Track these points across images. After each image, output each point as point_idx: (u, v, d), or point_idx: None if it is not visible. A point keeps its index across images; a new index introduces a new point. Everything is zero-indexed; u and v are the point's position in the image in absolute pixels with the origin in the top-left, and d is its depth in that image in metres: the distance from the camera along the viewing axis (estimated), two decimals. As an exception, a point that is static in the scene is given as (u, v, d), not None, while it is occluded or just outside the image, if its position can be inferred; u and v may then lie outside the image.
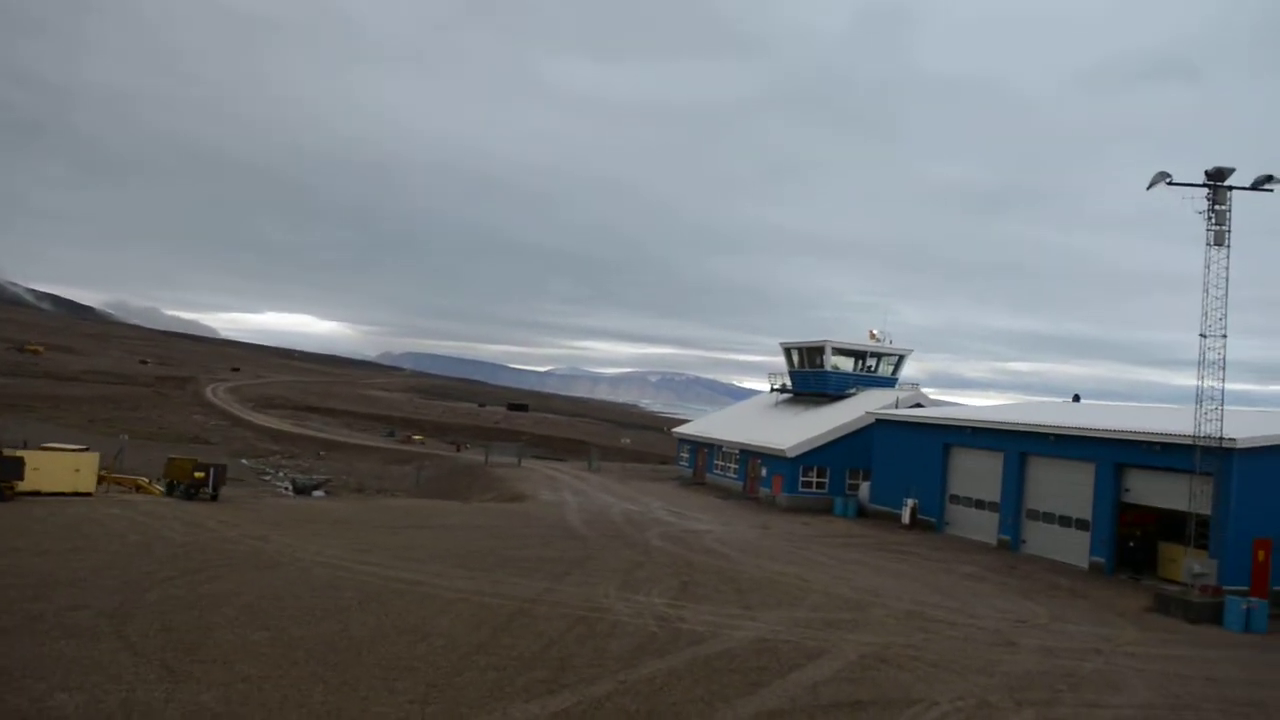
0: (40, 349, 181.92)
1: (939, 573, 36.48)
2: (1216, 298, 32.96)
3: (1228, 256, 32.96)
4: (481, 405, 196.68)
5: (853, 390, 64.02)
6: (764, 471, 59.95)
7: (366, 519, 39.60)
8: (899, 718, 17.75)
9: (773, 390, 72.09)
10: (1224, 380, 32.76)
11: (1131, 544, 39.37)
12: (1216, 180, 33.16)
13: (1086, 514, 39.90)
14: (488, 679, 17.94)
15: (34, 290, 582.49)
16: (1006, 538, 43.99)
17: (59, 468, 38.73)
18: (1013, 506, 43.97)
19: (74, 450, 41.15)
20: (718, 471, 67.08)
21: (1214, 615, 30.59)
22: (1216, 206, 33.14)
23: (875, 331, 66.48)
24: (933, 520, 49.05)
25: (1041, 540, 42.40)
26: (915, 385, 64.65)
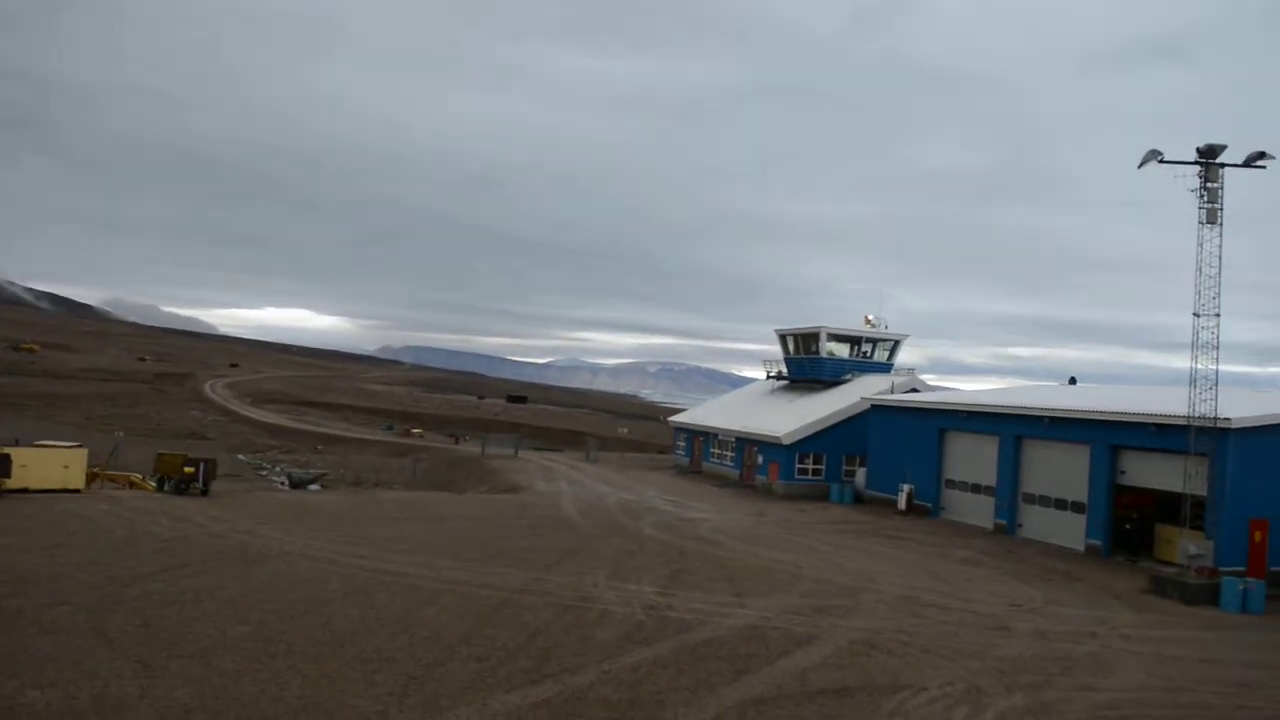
0: (35, 347, 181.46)
1: (934, 558, 36.25)
2: (1209, 276, 32.69)
3: (1220, 235, 32.66)
4: (480, 398, 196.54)
5: (848, 376, 63.70)
6: (760, 459, 59.71)
7: (358, 512, 39.35)
8: (887, 703, 17.52)
9: (769, 377, 71.78)
10: (1218, 359, 32.53)
11: (1128, 526, 39.12)
12: (1208, 158, 32.81)
13: (1082, 497, 39.64)
14: (469, 670, 17.71)
15: (32, 289, 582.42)
16: (1002, 522, 43.75)
17: (47, 464, 38.48)
18: (1008, 490, 43.73)
19: (63, 447, 40.90)
20: (714, 460, 66.84)
21: (1210, 596, 30.36)
22: (1208, 184, 32.80)
23: (870, 317, 66.16)
24: (929, 505, 48.82)
25: (1038, 524, 42.16)
26: (911, 370, 64.41)
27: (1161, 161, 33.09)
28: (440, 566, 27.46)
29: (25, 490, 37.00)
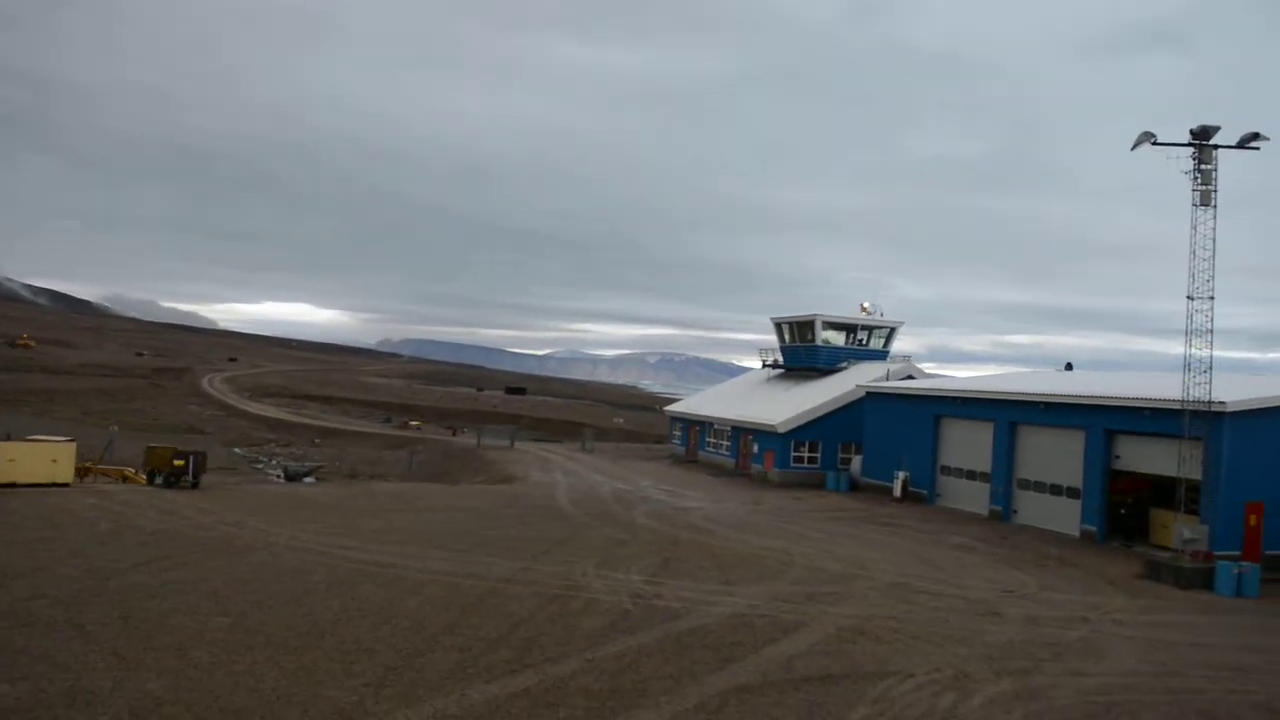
0: (31, 343, 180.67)
1: (928, 545, 36.05)
2: (1204, 259, 32.39)
3: (1214, 217, 32.36)
4: (480, 390, 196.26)
5: (844, 364, 63.46)
6: (755, 448, 59.51)
7: (349, 504, 39.13)
8: (872, 690, 17.29)
9: (764, 366, 71.54)
10: (1212, 342, 32.26)
11: (1123, 511, 38.92)
12: (1201, 139, 32.48)
13: (1077, 482, 39.44)
14: (450, 660, 17.48)
15: (30, 285, 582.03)
16: (998, 508, 43.56)
17: (36, 459, 38.23)
18: (1004, 476, 43.52)
19: (52, 441, 40.67)
20: (710, 449, 66.64)
21: (1205, 581, 30.16)
22: (1202, 166, 32.48)
23: (866, 304, 65.88)
24: (924, 492, 48.62)
25: (1033, 510, 41.96)
26: (907, 358, 64.15)
27: (1155, 144, 32.77)
28: (427, 557, 27.24)
29: (13, 485, 36.78)
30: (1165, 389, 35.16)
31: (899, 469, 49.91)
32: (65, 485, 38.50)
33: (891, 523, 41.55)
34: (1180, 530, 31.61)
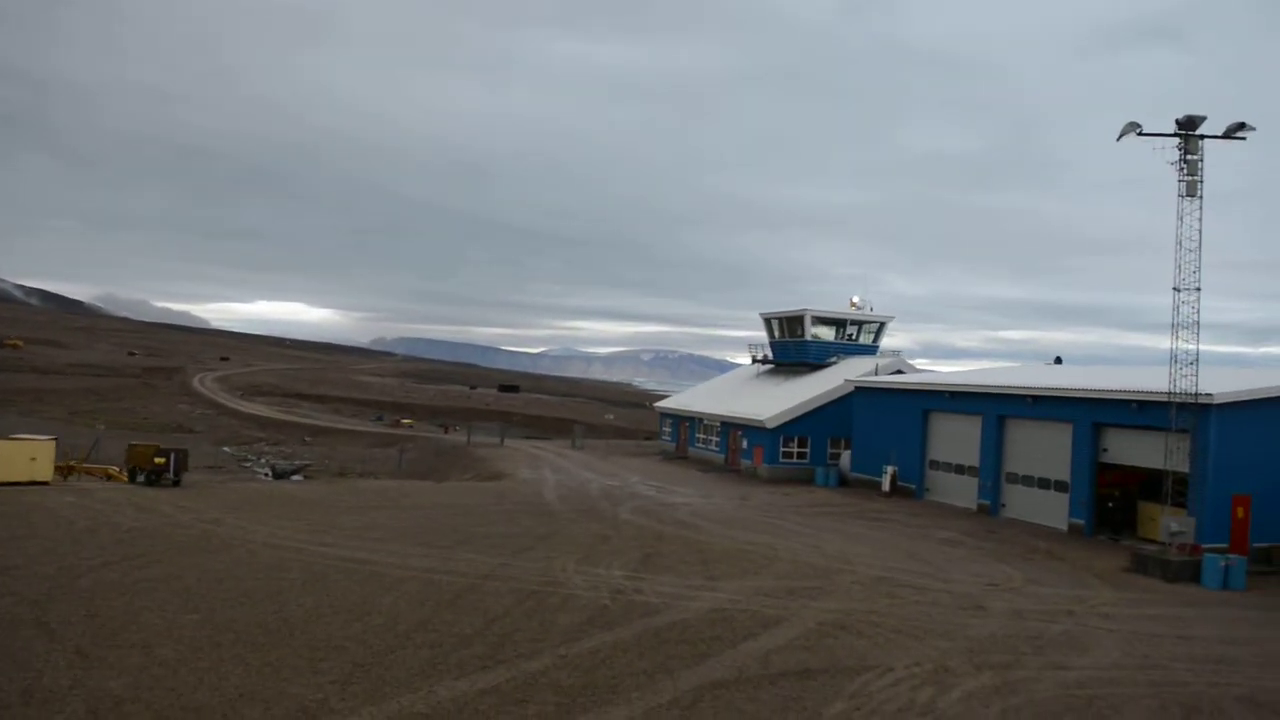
0: (19, 343, 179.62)
1: (915, 539, 35.81)
2: (1190, 250, 32.19)
3: (1200, 208, 32.16)
4: (473, 388, 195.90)
5: (833, 359, 63.23)
6: (745, 443, 59.26)
7: (333, 501, 38.81)
8: (850, 685, 17.03)
9: (754, 361, 71.29)
10: (1198, 333, 32.07)
11: (1111, 504, 38.75)
12: (1188, 129, 32.27)
13: (1065, 476, 39.23)
14: (420, 657, 17.19)
15: (21, 285, 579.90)
16: (986, 502, 43.35)
17: (14, 457, 37.84)
18: (992, 470, 43.30)
19: (31, 440, 40.28)
20: (700, 445, 66.38)
21: (1192, 574, 29.97)
22: (1188, 156, 32.27)
23: (856, 299, 65.68)
24: (913, 487, 48.41)
25: (1021, 503, 41.76)
26: (897, 352, 63.95)
27: (1140, 134, 32.56)
28: (407, 554, 26.93)
29: (-9, 483, 36.43)
30: (1153, 382, 34.95)
31: (887, 464, 49.69)
32: (44, 484, 38.13)
33: (879, 517, 41.33)
34: (1167, 523, 31.42)
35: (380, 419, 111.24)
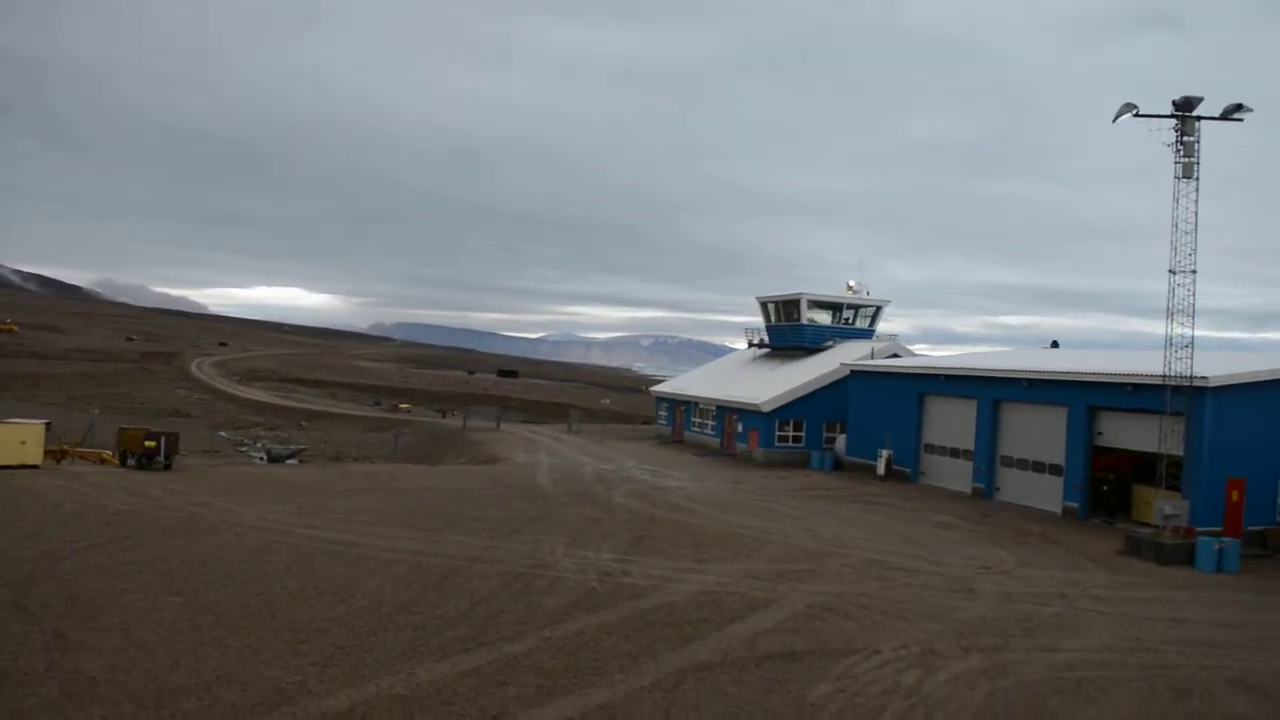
0: (14, 328, 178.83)
1: (910, 522, 35.67)
2: (1186, 233, 31.91)
3: (1196, 190, 31.86)
4: (471, 373, 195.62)
5: (830, 343, 62.96)
6: (740, 427, 59.08)
7: (325, 484, 38.62)
8: (835, 667, 16.88)
9: (750, 345, 71.03)
10: (1194, 315, 31.82)
11: (1105, 488, 38.58)
12: (1184, 110, 31.93)
13: (1060, 459, 39.06)
14: (403, 639, 17.04)
15: (19, 270, 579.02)
16: (980, 486, 43.20)
17: (4, 441, 37.67)
18: (986, 454, 43.14)
19: (21, 423, 40.09)
20: (695, 429, 66.20)
21: (1186, 557, 29.82)
22: (1184, 138, 31.94)
23: (852, 283, 65.36)
24: (908, 470, 48.26)
25: (1015, 487, 41.62)
26: (893, 336, 63.69)
27: (1137, 115, 32.23)
28: (396, 537, 26.78)
29: (-21, 467, 36.27)
30: (1148, 365, 34.72)
31: (883, 447, 49.52)
32: (34, 467, 37.96)
33: (874, 501, 41.19)
34: (1161, 506, 31.25)
35: (378, 404, 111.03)
